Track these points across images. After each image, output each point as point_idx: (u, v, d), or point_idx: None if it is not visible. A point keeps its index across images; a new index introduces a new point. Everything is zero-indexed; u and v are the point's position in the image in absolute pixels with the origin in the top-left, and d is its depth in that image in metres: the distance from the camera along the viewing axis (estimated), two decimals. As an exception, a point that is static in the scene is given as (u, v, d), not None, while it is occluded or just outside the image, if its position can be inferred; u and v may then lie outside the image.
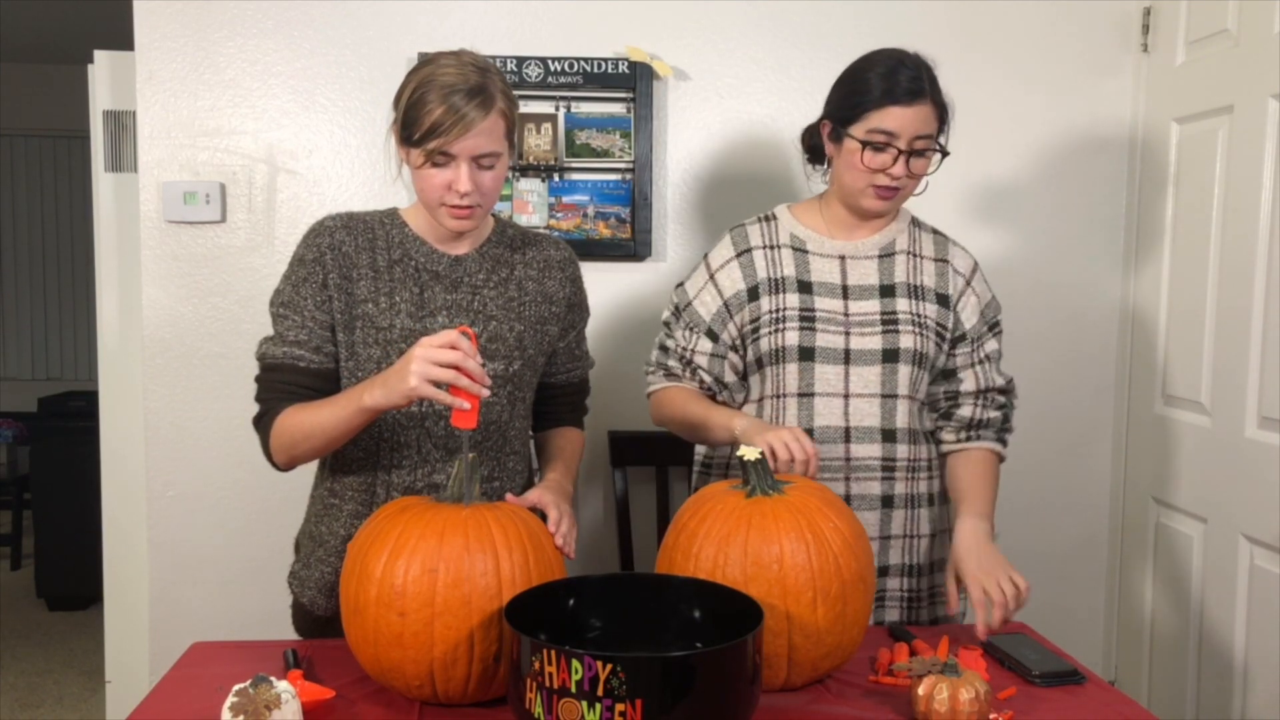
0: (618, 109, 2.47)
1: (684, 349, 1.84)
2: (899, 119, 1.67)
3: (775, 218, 1.86)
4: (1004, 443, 1.85)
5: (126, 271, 2.73)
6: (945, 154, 1.73)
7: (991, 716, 1.31)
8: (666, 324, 1.89)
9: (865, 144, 1.69)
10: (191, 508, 2.47)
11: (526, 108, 2.36)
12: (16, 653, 4.03)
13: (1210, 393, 2.25)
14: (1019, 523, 2.55)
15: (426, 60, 1.56)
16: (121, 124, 2.73)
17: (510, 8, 2.45)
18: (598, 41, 2.45)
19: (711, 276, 1.84)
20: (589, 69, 2.43)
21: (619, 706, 1.09)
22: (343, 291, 1.60)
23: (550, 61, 2.42)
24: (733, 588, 1.32)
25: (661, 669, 1.11)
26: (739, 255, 1.82)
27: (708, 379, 1.84)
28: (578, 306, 1.79)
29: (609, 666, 1.09)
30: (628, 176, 2.47)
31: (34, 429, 5.16)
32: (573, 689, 1.10)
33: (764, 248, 1.82)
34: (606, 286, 2.47)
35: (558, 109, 2.46)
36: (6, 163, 6.43)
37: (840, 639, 1.39)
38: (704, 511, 1.44)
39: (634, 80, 2.44)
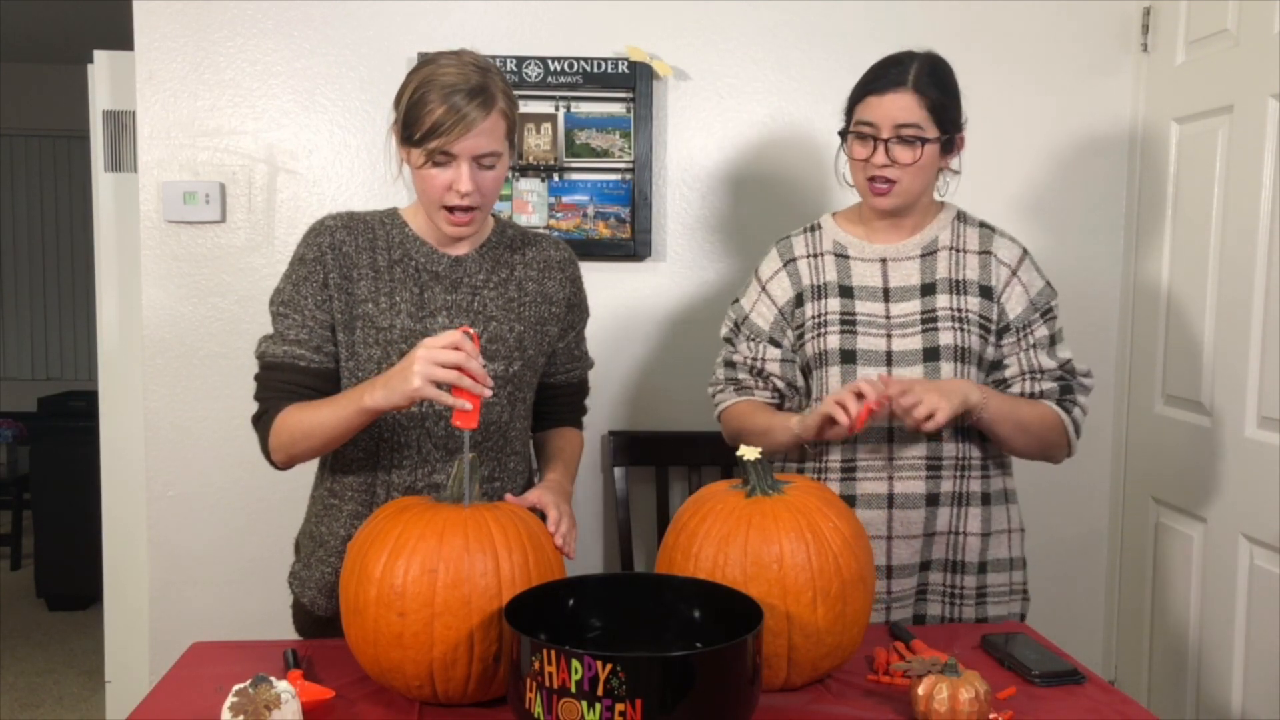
0: (618, 109, 2.47)
1: (752, 359, 1.86)
2: (876, 108, 1.71)
3: (820, 227, 1.89)
4: (1067, 411, 1.77)
5: (126, 271, 2.72)
6: (926, 142, 1.71)
7: (991, 716, 1.31)
8: (728, 339, 1.91)
9: (848, 134, 1.77)
10: (191, 508, 2.47)
11: (526, 108, 2.36)
12: (16, 653, 4.03)
13: (1210, 392, 2.25)
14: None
15: (427, 60, 1.56)
16: (121, 124, 2.72)
17: (510, 8, 2.44)
18: (598, 41, 2.45)
19: (764, 288, 1.87)
20: (589, 69, 2.43)
21: (619, 706, 1.09)
22: (343, 291, 1.60)
23: (550, 61, 2.42)
24: (733, 588, 1.33)
25: (661, 669, 1.11)
26: (785, 265, 1.86)
27: (781, 384, 1.86)
28: (577, 307, 1.79)
29: (609, 666, 1.09)
30: (627, 176, 2.47)
31: (34, 429, 5.15)
32: (573, 689, 1.10)
33: (808, 256, 1.85)
34: (606, 286, 2.46)
35: (557, 109, 2.46)
36: (6, 163, 6.43)
37: (840, 639, 1.39)
38: (704, 511, 1.44)
39: (634, 80, 2.43)
